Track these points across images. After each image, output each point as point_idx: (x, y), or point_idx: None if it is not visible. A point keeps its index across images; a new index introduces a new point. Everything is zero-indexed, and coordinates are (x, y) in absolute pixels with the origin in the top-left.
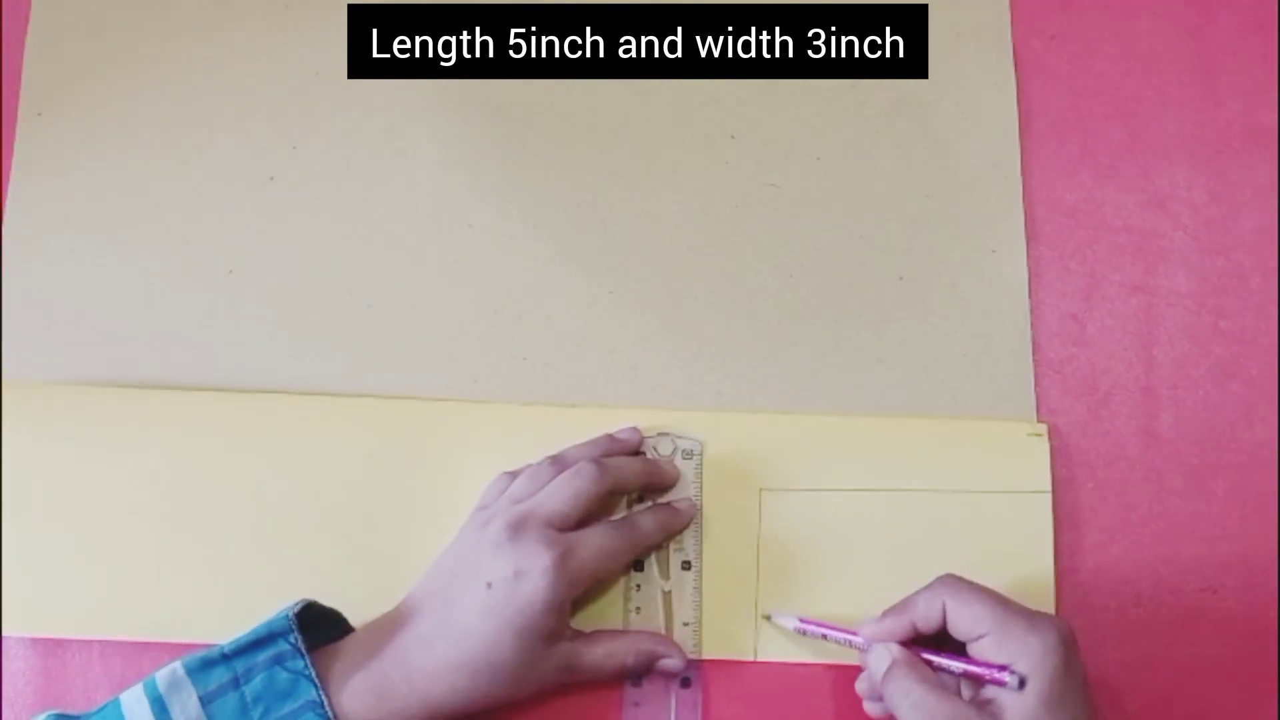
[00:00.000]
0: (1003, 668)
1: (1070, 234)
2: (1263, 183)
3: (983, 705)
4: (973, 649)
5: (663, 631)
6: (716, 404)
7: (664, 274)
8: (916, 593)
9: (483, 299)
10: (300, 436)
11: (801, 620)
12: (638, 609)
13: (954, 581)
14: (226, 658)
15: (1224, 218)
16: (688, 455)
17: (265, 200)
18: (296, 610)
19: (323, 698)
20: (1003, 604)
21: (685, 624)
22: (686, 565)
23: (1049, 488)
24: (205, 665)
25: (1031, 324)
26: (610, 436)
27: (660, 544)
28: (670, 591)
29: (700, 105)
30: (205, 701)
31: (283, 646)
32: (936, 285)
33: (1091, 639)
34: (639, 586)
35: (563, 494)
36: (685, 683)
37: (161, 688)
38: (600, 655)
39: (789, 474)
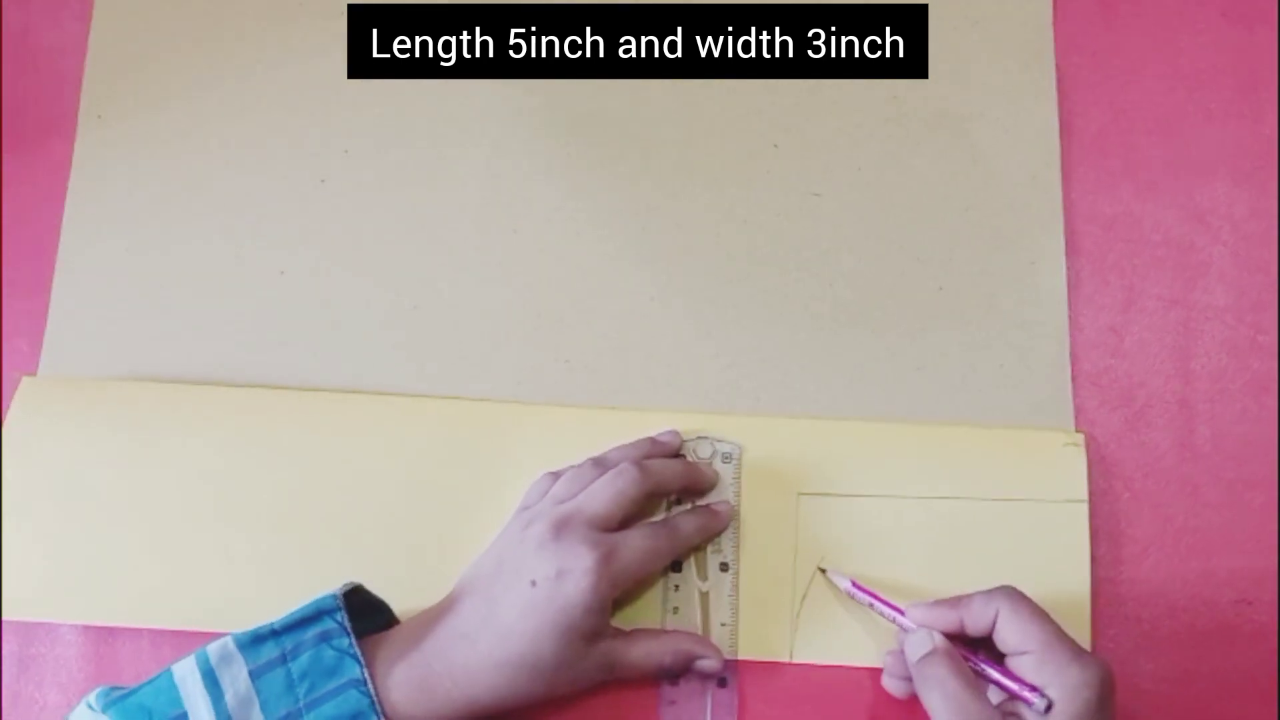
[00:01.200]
0: (1035, 688)
1: (1110, 247)
2: None
3: (1006, 718)
4: (1011, 663)
5: (699, 632)
6: (755, 409)
7: (705, 280)
8: (974, 594)
9: (527, 302)
10: (347, 435)
11: (854, 584)
12: (675, 609)
13: (1014, 594)
14: (276, 634)
15: (1263, 233)
16: (727, 459)
17: (317, 203)
18: (344, 590)
19: (366, 675)
20: (1055, 631)
21: (723, 624)
22: (724, 567)
23: (1086, 497)
24: (256, 640)
25: (1070, 335)
26: (651, 439)
27: (699, 546)
28: (708, 592)
29: (744, 115)
30: (254, 676)
31: (329, 625)
32: (976, 296)
33: (1126, 650)
34: (677, 587)
35: (605, 495)
36: (722, 683)
37: (213, 660)
38: (639, 655)
39: (827, 479)
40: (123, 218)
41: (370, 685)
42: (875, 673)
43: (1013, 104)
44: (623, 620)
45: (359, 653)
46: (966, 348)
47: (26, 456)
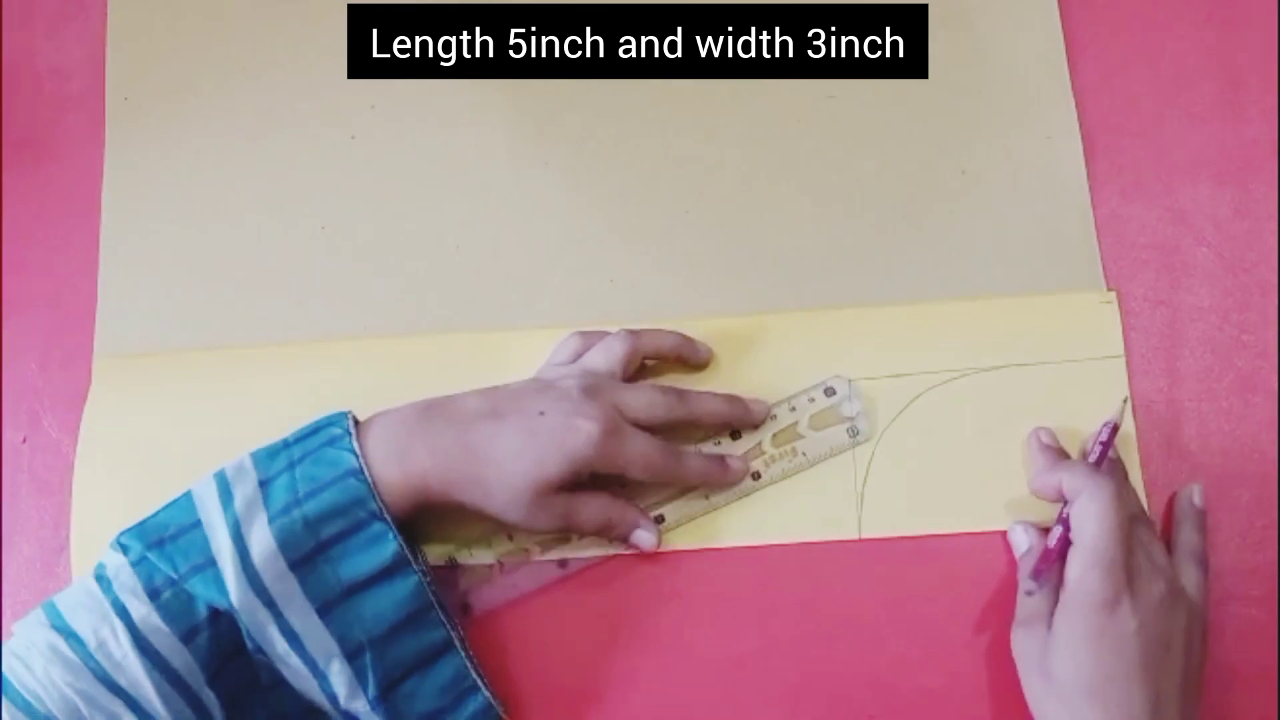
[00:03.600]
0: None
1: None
2: None
3: None
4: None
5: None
6: (799, 303)
7: (736, 190)
8: (1079, 466)
9: (566, 230)
10: (404, 375)
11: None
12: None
13: (1105, 487)
14: (287, 445)
15: (1247, 233)
16: (854, 433)
17: (349, 158)
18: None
19: (363, 465)
20: (1105, 531)
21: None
22: (756, 476)
23: (1122, 352)
24: (270, 454)
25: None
26: (686, 335)
27: (695, 486)
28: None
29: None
30: (263, 485)
31: (335, 431)
32: (998, 175)
33: None
34: None
35: (640, 401)
36: None
37: (229, 474)
38: (591, 509)
39: (873, 363)
40: (160, 194)
41: (368, 474)
42: (941, 539)
43: None
44: None
45: (357, 448)
46: (995, 224)
47: (107, 435)
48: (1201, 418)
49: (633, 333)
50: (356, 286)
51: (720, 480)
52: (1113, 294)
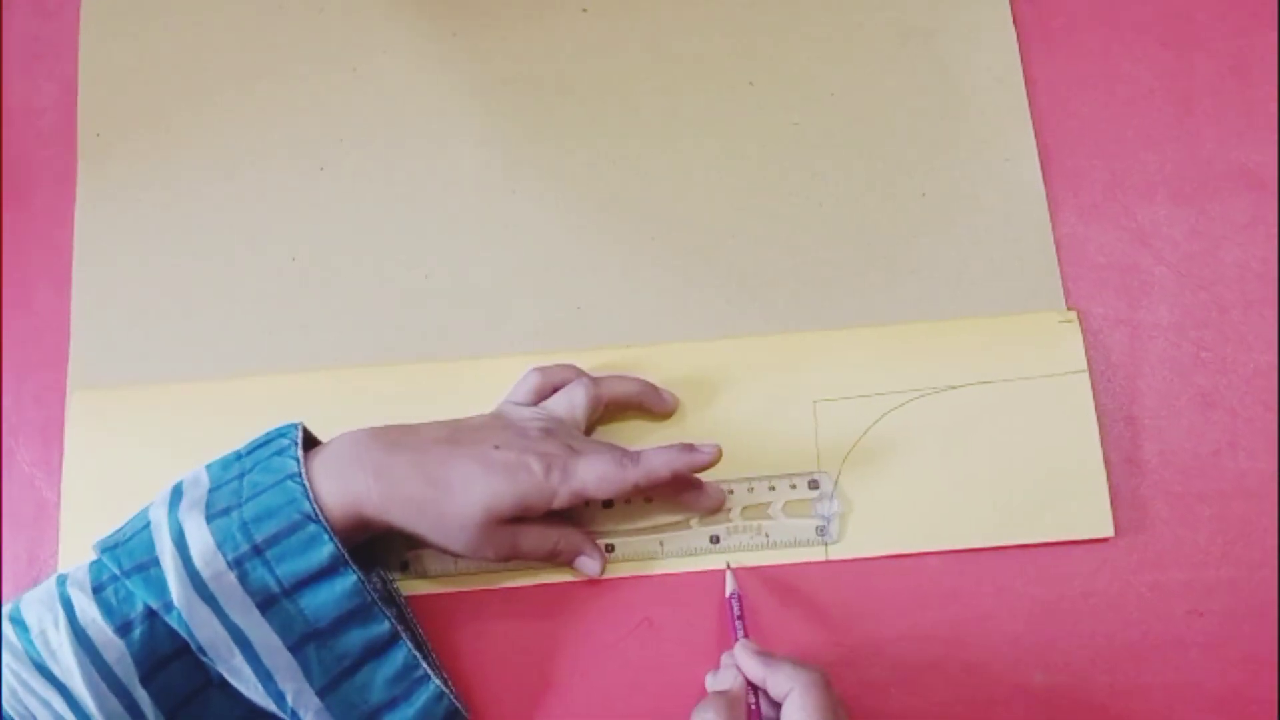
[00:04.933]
0: None
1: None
2: (1241, 218)
3: None
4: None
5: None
6: (765, 328)
7: (702, 217)
8: (786, 663)
9: (534, 257)
10: (378, 405)
11: (736, 596)
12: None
13: (815, 682)
14: (240, 456)
15: (1204, 252)
16: (821, 533)
17: (319, 189)
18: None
19: (301, 470)
20: (819, 714)
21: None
22: (715, 540)
23: (1085, 367)
24: (224, 465)
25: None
26: (648, 383)
27: (666, 479)
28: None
29: (718, 58)
30: (211, 491)
31: (283, 442)
32: (958, 197)
33: (1079, 662)
34: None
35: (592, 472)
36: None
37: (185, 484)
38: (535, 537)
39: (840, 385)
40: (131, 228)
41: (305, 479)
42: (909, 559)
43: (970, 14)
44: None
45: (300, 455)
46: (955, 246)
47: (88, 468)
48: (1162, 434)
49: (594, 380)
50: (328, 317)
51: (694, 464)
52: (1073, 313)
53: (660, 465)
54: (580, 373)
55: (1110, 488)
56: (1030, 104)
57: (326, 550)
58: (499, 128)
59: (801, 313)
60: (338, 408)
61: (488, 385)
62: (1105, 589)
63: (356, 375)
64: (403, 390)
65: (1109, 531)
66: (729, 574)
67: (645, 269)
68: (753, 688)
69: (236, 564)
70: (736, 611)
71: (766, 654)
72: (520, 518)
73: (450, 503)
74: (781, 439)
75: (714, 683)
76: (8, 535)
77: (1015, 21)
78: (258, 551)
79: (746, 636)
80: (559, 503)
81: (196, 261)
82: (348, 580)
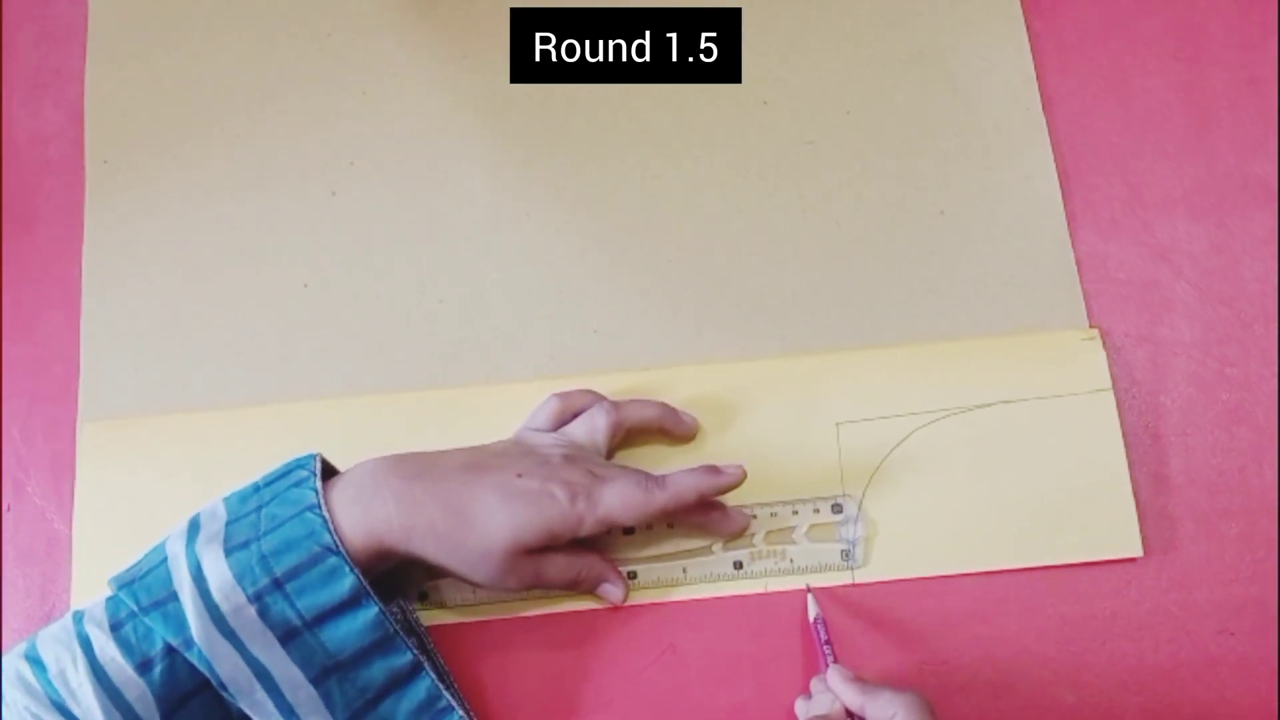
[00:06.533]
0: None
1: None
2: (1261, 232)
3: None
4: None
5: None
6: (784, 349)
7: (718, 237)
8: (885, 689)
9: (549, 280)
10: (393, 433)
11: (820, 619)
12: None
13: (917, 703)
14: (258, 489)
15: (1225, 268)
16: (846, 558)
17: (330, 214)
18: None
19: (320, 501)
20: None
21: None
22: (739, 565)
23: (1110, 385)
24: (242, 498)
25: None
26: (670, 406)
27: (692, 503)
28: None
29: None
30: (229, 524)
31: (301, 474)
32: (977, 214)
33: (1109, 684)
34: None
35: (613, 498)
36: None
37: (202, 517)
38: (559, 566)
39: (862, 406)
40: (141, 256)
41: (325, 510)
42: (936, 581)
43: (985, 32)
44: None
45: (319, 486)
46: (975, 264)
47: (100, 500)
48: (1188, 452)
49: (615, 404)
50: (341, 343)
51: (720, 486)
52: (1095, 331)
53: (687, 489)
54: (600, 397)
55: (1137, 507)
56: (1047, 120)
57: (347, 582)
58: (511, 150)
59: (820, 333)
60: (352, 436)
61: (504, 411)
62: (1134, 609)
63: (371, 403)
64: (418, 417)
65: (1138, 551)
66: (810, 597)
67: (661, 291)
68: (850, 715)
69: (256, 598)
70: (824, 636)
71: (862, 680)
72: (545, 546)
73: (473, 533)
74: (804, 461)
75: (807, 709)
76: (20, 569)
77: (1030, 38)
78: (278, 585)
79: (837, 661)
80: (585, 530)
81: (207, 289)
82: (369, 612)
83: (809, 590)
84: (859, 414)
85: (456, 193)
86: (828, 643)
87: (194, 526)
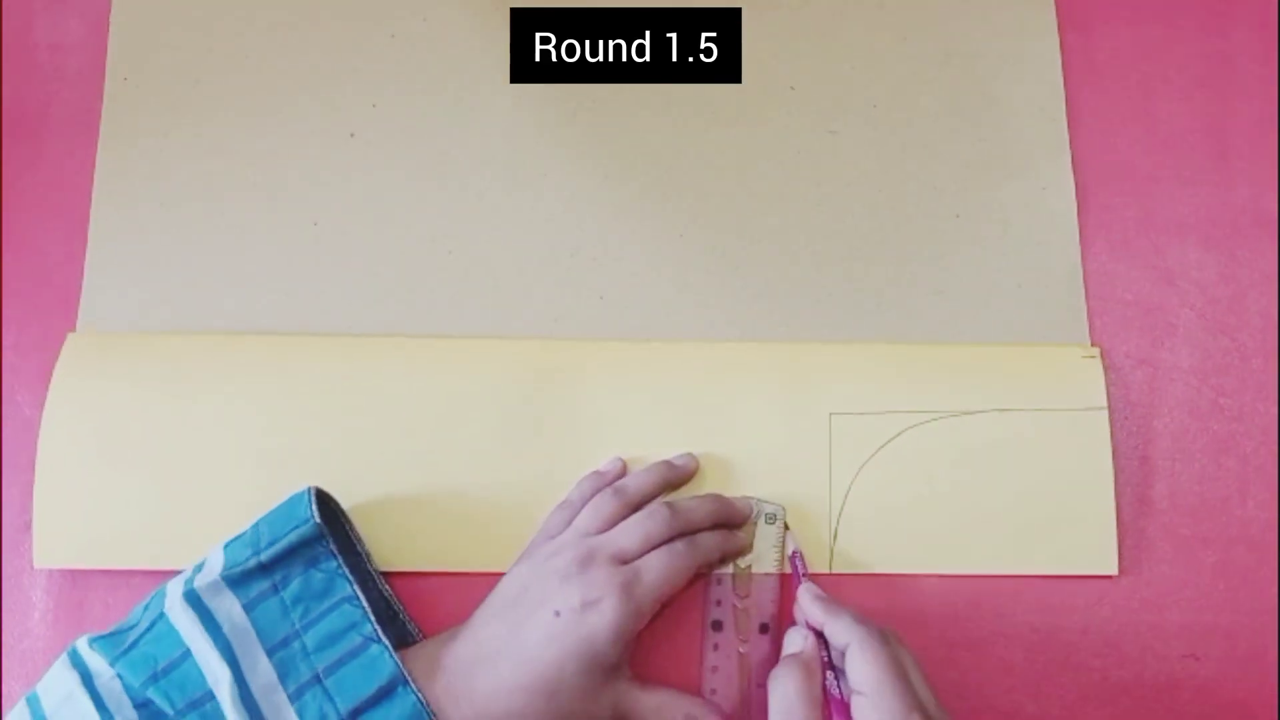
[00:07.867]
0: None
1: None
2: (1269, 267)
3: None
4: (854, 700)
5: (737, 690)
6: (785, 336)
7: (731, 217)
8: (847, 613)
9: (560, 242)
10: (384, 377)
11: (796, 553)
12: (714, 668)
13: (872, 633)
14: (264, 567)
15: (1230, 298)
16: (770, 519)
17: (347, 155)
18: (315, 507)
19: (355, 590)
20: (894, 681)
21: (759, 686)
22: (764, 628)
23: (1105, 405)
24: (245, 577)
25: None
26: (669, 464)
27: (718, 563)
28: (747, 654)
29: (760, 59)
30: (248, 609)
31: (316, 550)
32: (990, 222)
33: (1073, 697)
34: (716, 646)
35: (633, 536)
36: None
37: (204, 596)
38: (654, 704)
39: (857, 399)
40: (153, 177)
41: (361, 599)
42: (910, 578)
43: (1016, 41)
44: (661, 675)
45: (346, 571)
46: (984, 271)
47: (72, 411)
48: (1174, 477)
49: (617, 489)
50: (343, 284)
51: (737, 549)
52: (1096, 350)
53: (711, 547)
54: (618, 495)
55: (1118, 525)
56: (1070, 135)
57: (388, 670)
58: (536, 110)
59: (824, 323)
60: (341, 375)
61: (498, 367)
62: (1104, 625)
63: (366, 344)
64: (409, 363)
65: (1113, 569)
66: (788, 534)
67: (671, 264)
68: (824, 643)
69: (297, 696)
70: (803, 570)
71: (830, 600)
72: (621, 665)
73: (556, 694)
74: (795, 449)
75: (787, 643)
76: (8, 478)
77: (1062, 51)
78: (318, 679)
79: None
80: (646, 617)
81: (216, 215)
82: (408, 701)
83: (787, 529)
84: (854, 407)
85: (476, 145)
86: (806, 575)
87: (205, 613)
